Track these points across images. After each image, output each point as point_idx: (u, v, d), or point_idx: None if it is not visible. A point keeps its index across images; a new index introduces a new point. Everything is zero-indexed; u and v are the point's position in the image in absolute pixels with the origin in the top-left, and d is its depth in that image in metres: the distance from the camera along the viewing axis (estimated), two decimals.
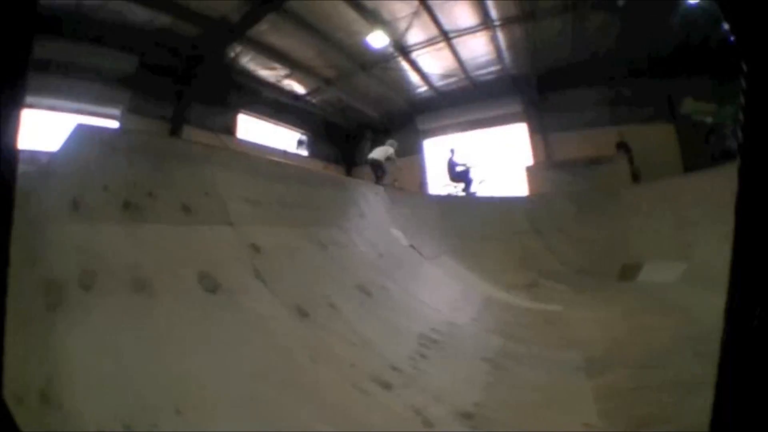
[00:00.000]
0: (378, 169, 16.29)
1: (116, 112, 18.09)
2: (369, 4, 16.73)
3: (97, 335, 2.59)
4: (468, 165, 18.95)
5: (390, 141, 17.44)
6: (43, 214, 3.03)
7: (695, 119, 17.39)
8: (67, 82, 16.16)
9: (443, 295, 6.95)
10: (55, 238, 2.96)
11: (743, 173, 1.16)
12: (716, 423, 1.21)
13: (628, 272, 9.92)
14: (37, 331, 2.38)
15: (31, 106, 15.08)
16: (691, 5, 16.30)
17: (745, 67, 1.16)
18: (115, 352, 2.56)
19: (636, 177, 17.27)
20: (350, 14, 16.92)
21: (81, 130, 3.78)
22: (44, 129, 14.34)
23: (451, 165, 18.95)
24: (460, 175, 18.73)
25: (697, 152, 16.82)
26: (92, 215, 3.32)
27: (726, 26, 1.24)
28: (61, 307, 2.59)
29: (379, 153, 16.67)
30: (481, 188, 19.00)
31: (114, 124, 17.24)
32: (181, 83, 19.34)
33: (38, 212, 3.01)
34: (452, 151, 19.39)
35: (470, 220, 11.76)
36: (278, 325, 3.65)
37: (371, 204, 8.40)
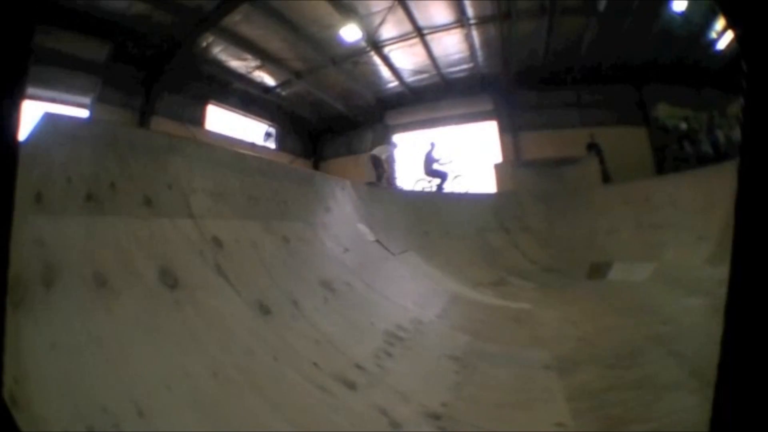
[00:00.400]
0: (379, 165, 16.36)
1: (86, 100, 17.75)
2: None
3: (59, 334, 2.50)
4: (445, 161, 18.98)
5: (393, 140, 17.54)
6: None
7: (669, 124, 17.63)
8: (36, 69, 15.70)
9: (409, 292, 6.89)
10: (18, 232, 2.87)
11: (743, 173, 1.17)
12: (716, 423, 1.22)
13: (597, 271, 10.04)
14: (5, 331, 2.31)
15: None
16: (675, 14, 16.43)
17: (745, 67, 1.17)
18: (78, 352, 2.49)
19: (606, 178, 17.44)
20: (324, 7, 16.90)
21: (48, 120, 3.66)
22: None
23: (429, 159, 18.91)
24: (437, 171, 18.74)
25: (667, 156, 17.12)
26: (55, 208, 3.19)
27: (711, 35, 1.24)
28: (24, 305, 2.48)
29: (381, 150, 16.77)
30: (456, 184, 19.04)
31: (84, 114, 17.03)
32: (151, 73, 19.09)
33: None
34: (432, 144, 19.39)
35: (438, 217, 11.76)
36: (239, 322, 3.57)
37: (338, 199, 8.31)
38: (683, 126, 17.58)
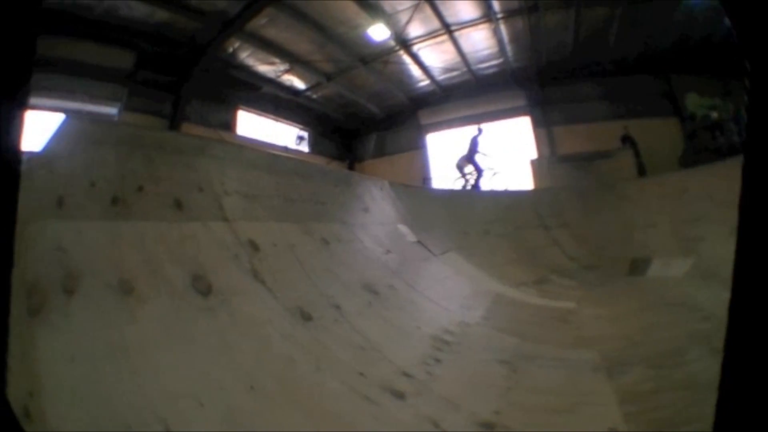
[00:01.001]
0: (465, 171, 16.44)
1: (113, 110, 17.92)
2: None
3: (80, 344, 2.33)
4: (485, 153, 18.88)
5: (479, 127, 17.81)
6: (26, 213, 2.74)
7: (698, 114, 17.32)
8: (61, 79, 15.89)
9: (453, 294, 6.71)
10: (37, 238, 2.67)
11: (747, 170, 1.17)
12: (720, 422, 1.22)
13: (637, 267, 9.77)
14: (19, 340, 2.08)
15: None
16: (694, 1, 16.20)
17: (748, 66, 1.17)
18: (100, 364, 2.31)
19: (642, 170, 17.13)
20: (351, 7, 16.83)
21: (69, 124, 3.49)
22: (38, 128, 14.43)
23: (474, 144, 18.94)
24: (477, 162, 18.76)
25: (699, 147, 16.82)
26: (77, 213, 3.03)
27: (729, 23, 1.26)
28: (43, 313, 2.32)
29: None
30: (494, 181, 19.09)
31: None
32: (179, 79, 19.12)
33: (21, 211, 2.74)
34: (480, 130, 19.46)
35: (476, 215, 11.55)
36: (278, 330, 3.36)
37: (376, 199, 8.15)
38: (713, 115, 17.15)
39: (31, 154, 3.18)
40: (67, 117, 3.54)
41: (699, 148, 16.91)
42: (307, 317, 3.70)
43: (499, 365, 4.27)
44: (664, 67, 20.21)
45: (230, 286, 3.42)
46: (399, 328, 4.60)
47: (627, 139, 18.98)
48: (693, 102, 17.80)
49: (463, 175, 18.79)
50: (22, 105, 1.32)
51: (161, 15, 16.32)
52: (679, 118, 19.39)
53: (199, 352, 2.73)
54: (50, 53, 15.18)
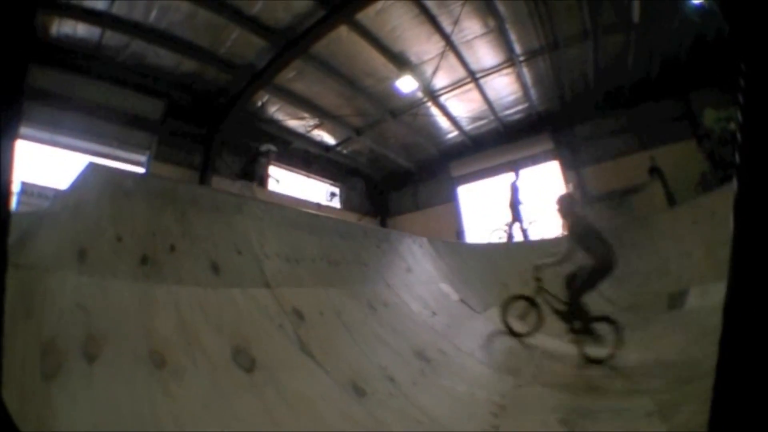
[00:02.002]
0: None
1: (142, 158, 18.10)
2: (395, 47, 16.66)
3: (103, 418, 2.11)
4: (523, 201, 18.85)
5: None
6: (44, 261, 2.53)
7: (718, 128, 17.09)
8: (91, 122, 16.23)
9: (501, 353, 6.65)
10: (56, 291, 2.45)
11: (742, 174, 1.14)
12: (715, 423, 1.20)
13: (675, 300, 9.72)
14: (30, 405, 1.94)
15: (51, 143, 15.42)
16: (695, 5, 16.19)
17: (743, 68, 1.13)
18: None
19: (672, 200, 16.87)
20: (377, 59, 16.94)
21: (93, 170, 3.29)
22: (69, 170, 14.62)
23: (515, 189, 18.79)
24: (518, 209, 18.63)
25: (723, 163, 16.62)
26: (102, 269, 2.82)
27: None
28: (61, 377, 2.11)
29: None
30: (531, 229, 19.03)
31: (140, 171, 17.19)
32: (209, 131, 19.28)
33: (38, 257, 2.53)
34: (517, 175, 19.45)
35: (514, 267, 11.44)
36: (331, 407, 3.12)
37: (417, 257, 8.07)
38: (731, 126, 16.82)
39: (54, 195, 3.02)
40: (91, 163, 3.39)
41: (721, 165, 16.66)
42: (361, 392, 3.47)
43: (557, 424, 4.13)
44: (683, 82, 20.05)
45: (276, 360, 3.20)
46: (454, 396, 4.39)
47: (654, 170, 18.70)
48: (710, 117, 17.53)
49: (509, 226, 18.65)
50: (12, 137, 1.25)
51: (189, 65, 16.62)
52: (697, 139, 19.21)
53: None
54: (78, 93, 15.59)
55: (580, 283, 7.30)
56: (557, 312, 7.46)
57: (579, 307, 7.30)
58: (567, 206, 7.92)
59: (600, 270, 7.21)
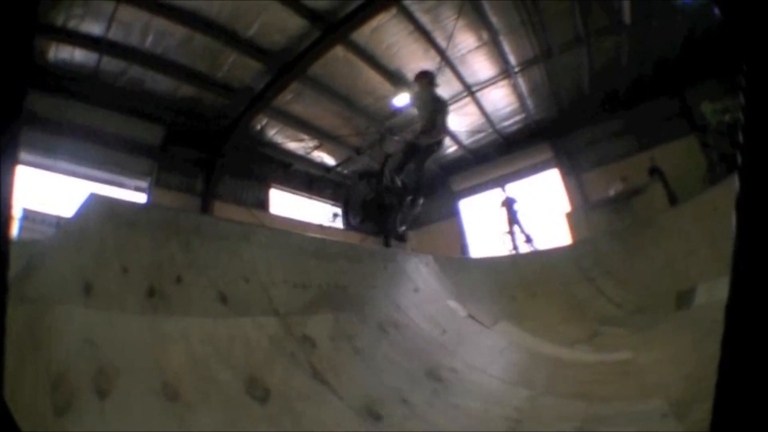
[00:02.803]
0: None
1: (143, 184, 18.25)
2: (392, 65, 16.83)
3: None
4: (523, 214, 19.29)
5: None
6: (50, 294, 2.53)
7: (713, 121, 17.10)
8: (91, 148, 16.46)
9: (513, 366, 6.61)
10: (63, 325, 2.47)
11: (744, 172, 1.16)
12: (717, 423, 1.22)
13: (683, 300, 9.54)
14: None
15: (52, 169, 15.64)
16: (685, 1, 16.26)
17: (744, 67, 1.16)
18: None
19: (673, 199, 16.90)
20: (374, 77, 17.21)
21: (95, 201, 3.31)
22: (71, 196, 14.95)
23: (510, 203, 19.25)
24: (519, 222, 19.00)
25: (721, 156, 16.66)
26: (109, 302, 2.83)
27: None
28: (73, 413, 2.11)
29: None
30: (535, 240, 19.13)
31: (141, 197, 17.56)
32: (210, 156, 19.39)
33: (44, 290, 2.55)
34: (504, 190, 20.18)
35: (521, 278, 11.46)
36: None
37: (424, 276, 8.08)
38: (726, 118, 16.82)
39: (57, 225, 3.02)
40: (93, 194, 3.41)
41: (720, 158, 16.66)
42: (376, 416, 3.45)
43: None
44: (677, 79, 20.24)
45: (290, 390, 3.20)
46: (468, 414, 4.37)
47: (654, 170, 18.86)
48: (707, 110, 17.54)
49: (512, 238, 18.74)
50: (11, 161, 1.30)
51: (187, 90, 16.79)
52: (696, 134, 19.22)
53: None
54: (78, 120, 15.81)
55: None
56: None
57: None
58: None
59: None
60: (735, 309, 1.19)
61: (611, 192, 19.43)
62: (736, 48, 1.18)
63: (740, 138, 1.17)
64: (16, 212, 12.55)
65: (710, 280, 8.87)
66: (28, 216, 13.72)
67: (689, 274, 10.08)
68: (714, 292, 8.37)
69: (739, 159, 1.16)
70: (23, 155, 13.63)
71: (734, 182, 1.14)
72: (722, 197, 10.11)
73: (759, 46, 1.13)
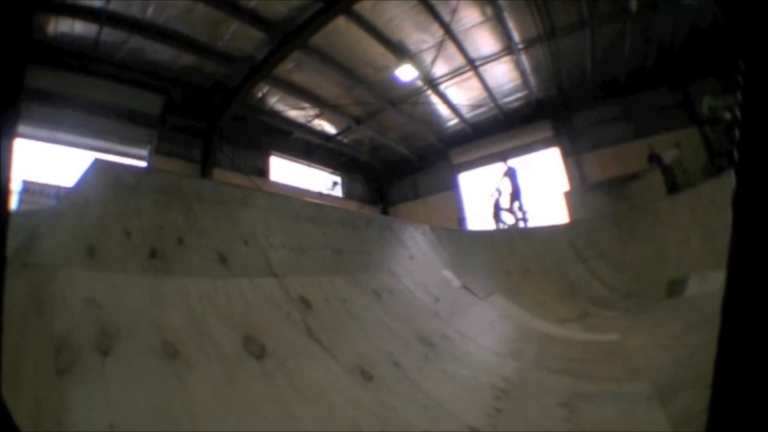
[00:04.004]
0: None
1: (143, 152, 18.34)
2: (394, 37, 16.70)
3: (119, 412, 2.13)
4: (522, 189, 19.17)
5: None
6: (53, 260, 2.58)
7: (716, 116, 17.14)
8: (91, 119, 16.49)
9: (503, 338, 6.68)
10: (66, 288, 2.49)
11: (741, 170, 1.18)
12: (713, 422, 1.22)
13: (674, 288, 9.66)
14: (45, 401, 1.97)
15: (51, 141, 15.74)
16: None
17: (742, 65, 1.17)
18: None
19: (673, 186, 16.90)
20: (376, 48, 17.05)
21: (99, 167, 3.34)
22: (71, 166, 15.11)
23: (512, 173, 19.08)
24: (519, 197, 18.88)
25: (719, 151, 16.76)
26: (111, 264, 2.87)
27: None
28: (75, 373, 2.14)
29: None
30: (532, 216, 19.27)
31: (142, 165, 17.50)
32: (209, 125, 19.34)
33: (47, 256, 2.59)
34: (506, 162, 19.78)
35: (516, 254, 11.56)
36: (340, 392, 3.18)
37: (419, 245, 8.14)
38: (727, 115, 16.86)
39: (60, 194, 3.04)
40: (96, 160, 3.44)
41: (719, 153, 16.72)
42: (368, 377, 3.54)
43: (558, 408, 4.17)
44: (680, 71, 20.30)
45: (285, 348, 3.27)
46: (458, 380, 4.46)
47: (653, 157, 18.93)
48: (708, 105, 17.58)
49: (513, 214, 18.71)
50: (10, 135, 1.30)
51: (188, 59, 16.80)
52: (697, 128, 19.25)
53: (257, 420, 2.54)
54: (75, 91, 15.76)
55: None
56: None
57: None
58: None
59: None
60: (731, 306, 1.20)
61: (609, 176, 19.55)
62: (734, 46, 1.19)
63: (737, 135, 1.19)
64: (16, 185, 12.54)
65: (703, 272, 8.97)
66: (28, 188, 13.83)
67: (681, 263, 10.23)
68: (706, 284, 8.50)
69: (737, 156, 1.18)
70: (22, 128, 13.61)
71: (731, 179, 1.17)
72: (719, 191, 10.19)
73: (757, 44, 1.15)
